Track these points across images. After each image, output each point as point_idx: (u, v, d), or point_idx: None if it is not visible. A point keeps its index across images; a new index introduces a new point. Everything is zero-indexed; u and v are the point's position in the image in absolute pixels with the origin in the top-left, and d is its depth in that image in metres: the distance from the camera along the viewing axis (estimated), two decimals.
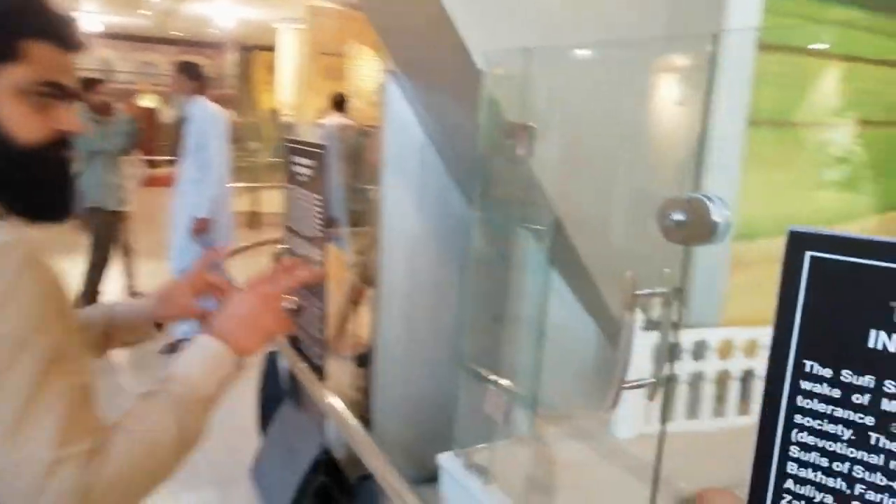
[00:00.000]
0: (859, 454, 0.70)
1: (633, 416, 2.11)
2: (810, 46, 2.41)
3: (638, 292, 1.32)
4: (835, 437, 0.72)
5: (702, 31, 2.08)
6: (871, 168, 2.57)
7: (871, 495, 0.70)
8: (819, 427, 0.73)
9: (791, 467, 0.75)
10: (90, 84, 5.12)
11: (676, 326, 1.35)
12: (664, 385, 1.61)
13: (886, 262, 0.65)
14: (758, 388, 2.21)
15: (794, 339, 0.72)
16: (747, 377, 2.22)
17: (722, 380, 2.21)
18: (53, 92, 0.90)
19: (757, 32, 2.14)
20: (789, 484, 0.75)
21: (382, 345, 2.47)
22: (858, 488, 0.71)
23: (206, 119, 4.45)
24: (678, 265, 1.50)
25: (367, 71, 9.63)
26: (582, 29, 1.92)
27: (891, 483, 0.69)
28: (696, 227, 1.14)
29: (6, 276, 0.78)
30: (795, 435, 0.74)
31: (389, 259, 2.46)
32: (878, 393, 0.68)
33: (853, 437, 0.71)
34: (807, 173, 2.52)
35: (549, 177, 1.90)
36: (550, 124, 1.82)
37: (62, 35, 0.91)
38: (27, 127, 0.88)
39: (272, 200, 9.52)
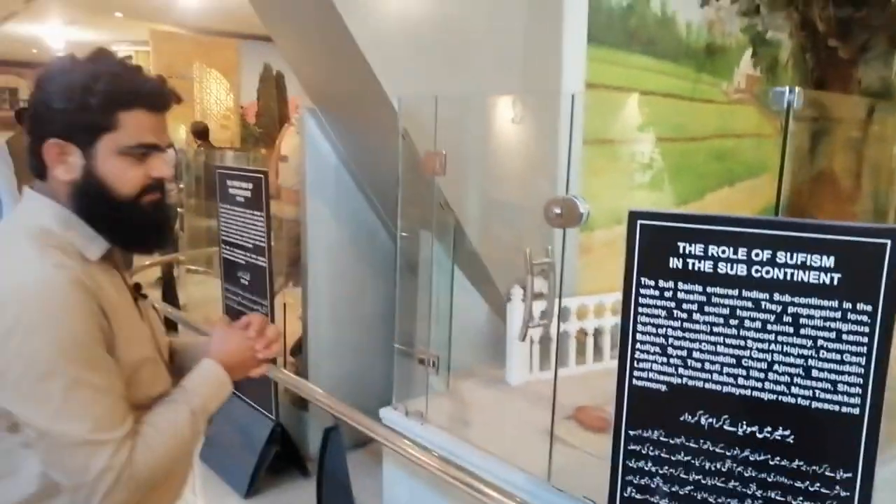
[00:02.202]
0: (667, 322, 1.39)
1: (520, 368, 2.79)
2: (619, 85, 3.24)
3: (535, 262, 1.97)
4: (657, 316, 1.40)
5: (548, 77, 2.82)
6: (667, 172, 3.46)
7: (674, 343, 1.39)
8: (649, 312, 1.41)
9: (639, 336, 1.42)
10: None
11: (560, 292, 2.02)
12: (556, 337, 2.28)
13: (674, 223, 1.34)
14: (606, 342, 2.98)
15: (635, 266, 1.39)
16: (597, 333, 2.98)
17: (579, 338, 2.96)
18: (146, 150, 1.08)
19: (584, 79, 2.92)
20: (639, 345, 1.43)
21: (313, 334, 2.96)
22: (669, 340, 1.39)
23: None
24: (553, 247, 2.19)
25: (215, 93, 9.76)
26: (463, 80, 2.57)
27: (685, 336, 1.38)
28: (569, 217, 1.81)
29: (54, 299, 0.96)
30: (639, 319, 1.42)
31: (314, 262, 2.96)
32: (674, 288, 1.37)
33: (665, 315, 1.39)
34: (624, 178, 3.35)
35: (451, 191, 2.52)
36: (451, 152, 2.44)
37: (150, 101, 1.08)
38: (125, 181, 1.07)
39: None
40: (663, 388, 1.41)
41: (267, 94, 9.01)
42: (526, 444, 2.30)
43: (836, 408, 1.26)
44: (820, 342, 1.26)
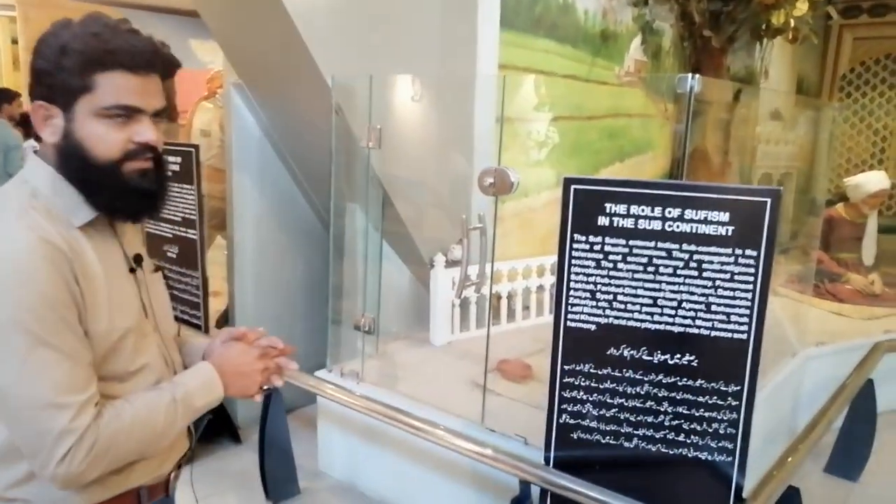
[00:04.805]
0: (596, 271, 1.64)
1: (443, 329, 3.01)
2: (526, 66, 3.50)
3: (469, 227, 2.18)
4: (587, 266, 1.65)
5: (465, 59, 3.01)
6: (566, 149, 3.77)
7: (601, 288, 1.64)
8: (580, 263, 1.65)
9: (572, 283, 1.67)
10: (8, 96, 4.91)
11: (492, 257, 2.24)
12: (488, 298, 2.50)
13: (602, 187, 1.59)
14: (518, 304, 3.25)
15: (569, 224, 1.63)
16: (510, 296, 3.24)
17: (493, 301, 3.20)
18: (126, 113, 1.02)
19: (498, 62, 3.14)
20: (572, 291, 1.67)
21: (239, 305, 3.03)
22: (598, 286, 1.65)
23: None
24: (479, 214, 2.41)
25: None
26: (390, 60, 2.71)
27: (611, 282, 1.63)
28: (501, 186, 2.03)
29: (22, 262, 0.95)
30: (572, 269, 1.66)
31: (240, 234, 3.02)
32: (601, 242, 1.62)
33: (594, 265, 1.64)
34: (528, 154, 3.62)
35: (380, 166, 2.67)
36: (382, 127, 2.59)
37: (130, 61, 1.01)
38: (104, 144, 1.02)
39: None
40: (593, 327, 1.67)
41: None
42: (455, 395, 2.52)
43: (730, 335, 1.57)
44: (718, 283, 1.56)
